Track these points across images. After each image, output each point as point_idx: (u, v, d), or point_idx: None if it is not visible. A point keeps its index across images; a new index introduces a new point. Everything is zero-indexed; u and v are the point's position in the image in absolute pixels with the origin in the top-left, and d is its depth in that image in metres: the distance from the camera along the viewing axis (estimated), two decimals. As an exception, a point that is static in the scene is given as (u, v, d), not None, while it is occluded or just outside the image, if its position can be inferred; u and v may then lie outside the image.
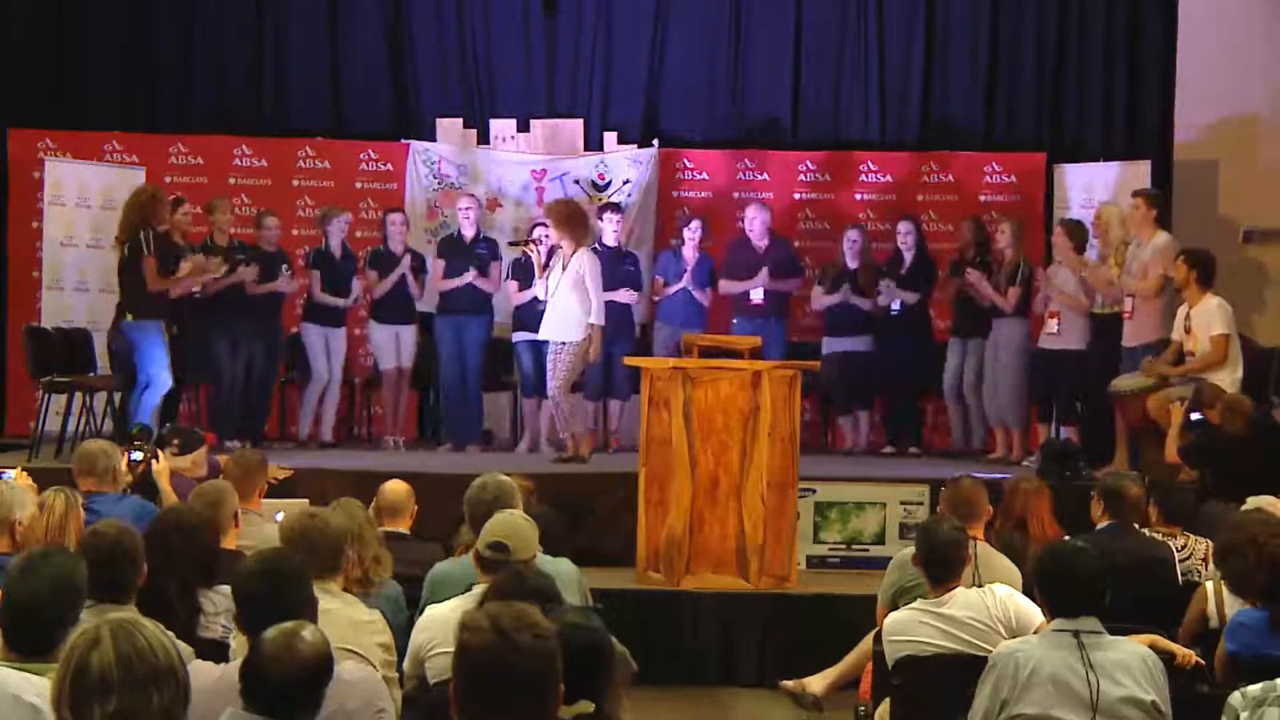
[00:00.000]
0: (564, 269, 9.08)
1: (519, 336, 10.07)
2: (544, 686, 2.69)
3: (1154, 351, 8.66)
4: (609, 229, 10.15)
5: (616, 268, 10.05)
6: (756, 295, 10.13)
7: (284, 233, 10.40)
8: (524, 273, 10.05)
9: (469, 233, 10.11)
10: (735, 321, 10.09)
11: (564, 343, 9.04)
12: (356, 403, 10.79)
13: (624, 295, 10.04)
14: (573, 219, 9.12)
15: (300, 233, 10.82)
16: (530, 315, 10.02)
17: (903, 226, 10.33)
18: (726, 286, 10.21)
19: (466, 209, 10.14)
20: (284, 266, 9.88)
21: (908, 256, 10.26)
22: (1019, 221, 10.12)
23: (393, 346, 10.09)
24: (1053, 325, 9.41)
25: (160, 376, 8.71)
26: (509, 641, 2.65)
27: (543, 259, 10.00)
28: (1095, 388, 9.03)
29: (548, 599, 3.60)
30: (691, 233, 10.26)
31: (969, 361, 9.94)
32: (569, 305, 9.01)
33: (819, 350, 10.21)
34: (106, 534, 4.10)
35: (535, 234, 10.14)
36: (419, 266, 10.13)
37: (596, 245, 10.24)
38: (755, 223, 10.24)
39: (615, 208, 10.37)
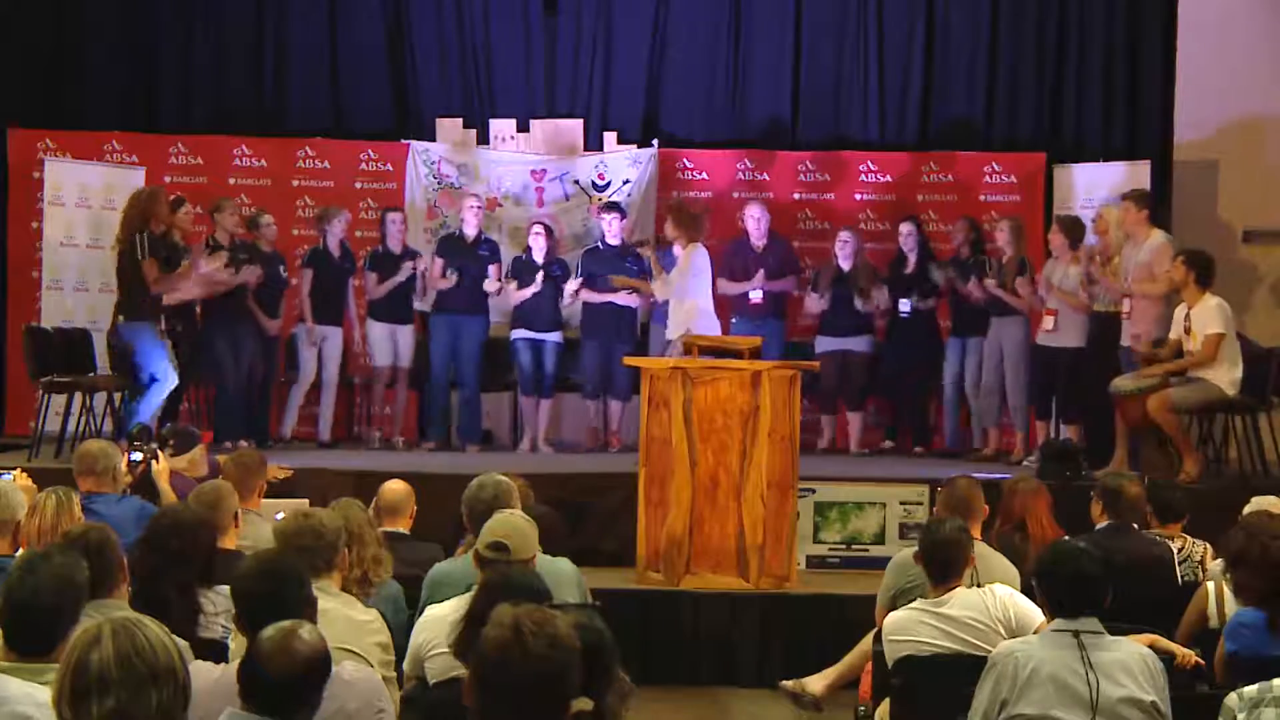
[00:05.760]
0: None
1: (518, 334, 10.07)
2: (546, 692, 2.72)
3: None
4: (609, 229, 10.16)
5: (617, 268, 10.05)
6: (755, 295, 10.12)
7: (284, 232, 10.40)
8: (524, 270, 10.06)
9: (471, 232, 10.11)
10: (734, 321, 10.08)
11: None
12: (356, 403, 10.79)
13: (624, 296, 10.04)
14: (683, 217, 9.25)
15: (300, 233, 10.81)
16: (530, 313, 10.03)
17: (904, 228, 10.33)
18: (725, 287, 10.19)
19: (474, 208, 10.14)
20: (280, 267, 9.88)
21: (910, 258, 10.26)
22: (1017, 218, 10.13)
23: (390, 345, 10.10)
24: (1049, 322, 9.39)
25: (165, 372, 8.71)
26: (522, 643, 2.70)
27: (541, 259, 10.06)
28: (1094, 387, 9.02)
29: (535, 597, 3.60)
30: None
31: (969, 360, 9.95)
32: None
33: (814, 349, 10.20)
34: (76, 533, 4.13)
35: (534, 231, 10.17)
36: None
37: (598, 245, 10.28)
38: (761, 223, 10.24)
39: (615, 208, 10.37)
